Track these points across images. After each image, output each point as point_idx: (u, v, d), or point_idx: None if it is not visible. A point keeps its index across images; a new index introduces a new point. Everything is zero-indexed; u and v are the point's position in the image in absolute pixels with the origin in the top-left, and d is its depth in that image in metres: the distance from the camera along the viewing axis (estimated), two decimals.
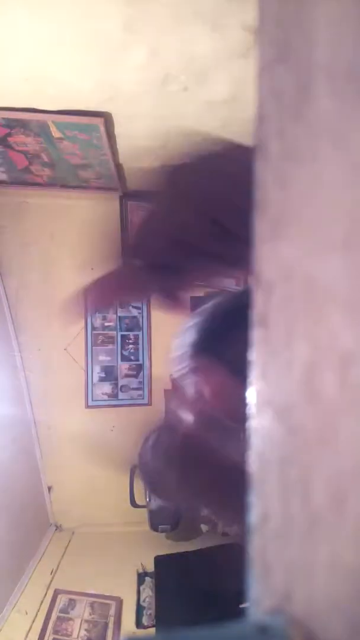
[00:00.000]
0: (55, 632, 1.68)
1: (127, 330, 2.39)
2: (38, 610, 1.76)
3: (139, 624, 1.75)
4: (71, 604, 1.81)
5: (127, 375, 2.38)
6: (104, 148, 1.70)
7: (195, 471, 0.61)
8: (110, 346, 2.37)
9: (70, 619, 1.75)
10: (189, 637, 0.17)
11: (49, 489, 2.39)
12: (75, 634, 1.68)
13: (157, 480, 0.65)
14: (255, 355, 0.22)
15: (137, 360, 2.39)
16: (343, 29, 0.17)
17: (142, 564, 2.03)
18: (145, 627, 1.73)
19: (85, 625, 1.72)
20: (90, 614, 1.77)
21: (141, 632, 1.69)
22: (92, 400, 2.35)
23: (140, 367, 2.39)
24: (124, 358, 2.38)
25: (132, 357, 2.39)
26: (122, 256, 0.52)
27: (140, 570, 2.00)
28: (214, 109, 1.46)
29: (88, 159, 1.80)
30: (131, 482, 2.14)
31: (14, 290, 2.28)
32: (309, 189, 0.18)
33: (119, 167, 1.94)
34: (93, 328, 2.36)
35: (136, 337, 2.39)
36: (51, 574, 1.99)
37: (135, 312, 2.39)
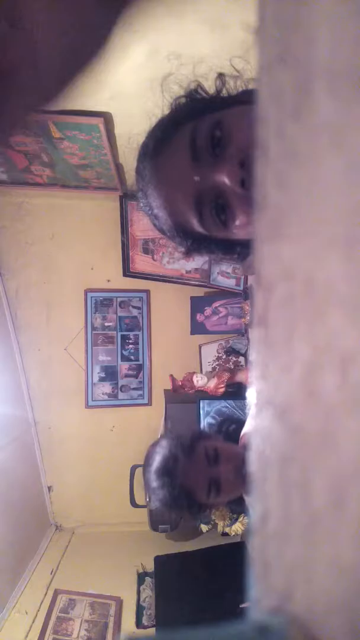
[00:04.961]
0: (55, 632, 1.68)
1: (127, 330, 2.39)
2: (38, 610, 1.76)
3: (138, 623, 1.75)
4: (71, 603, 1.82)
5: (127, 375, 2.38)
6: (104, 148, 1.70)
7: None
8: (110, 346, 2.37)
9: (70, 618, 1.75)
10: (189, 637, 0.17)
11: (49, 488, 2.39)
12: (75, 634, 1.68)
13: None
14: (255, 355, 0.22)
15: (137, 360, 2.39)
16: (343, 28, 0.17)
17: (142, 564, 2.03)
18: (145, 627, 1.73)
19: (85, 625, 1.72)
20: (90, 614, 1.77)
21: (141, 632, 1.69)
22: (92, 400, 2.35)
23: (140, 367, 2.39)
24: (124, 358, 2.38)
25: (132, 357, 2.39)
26: None
27: (140, 570, 2.00)
28: None
29: (88, 159, 1.80)
30: (131, 482, 2.14)
31: (14, 290, 2.28)
32: (309, 189, 0.18)
33: (119, 167, 1.94)
34: (93, 328, 2.36)
35: (136, 337, 2.39)
36: (51, 573, 1.99)
37: (135, 312, 2.39)
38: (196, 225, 0.50)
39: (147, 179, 0.51)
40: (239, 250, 0.55)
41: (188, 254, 0.56)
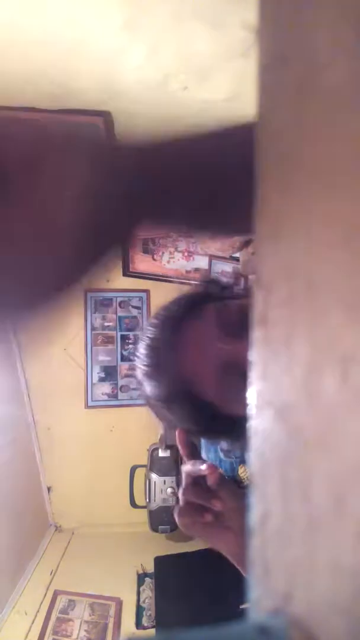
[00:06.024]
0: (55, 632, 1.68)
1: (127, 330, 2.39)
2: (37, 611, 1.76)
3: (138, 624, 1.75)
4: (71, 604, 1.81)
5: (127, 375, 2.38)
6: None
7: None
8: (110, 346, 2.37)
9: (70, 619, 1.75)
10: (188, 638, 0.17)
11: (49, 489, 2.39)
12: (75, 635, 1.68)
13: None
14: (255, 355, 0.22)
15: None
16: (343, 28, 0.17)
17: (141, 565, 2.03)
18: (145, 628, 1.73)
19: (85, 626, 1.72)
20: (90, 615, 1.77)
21: (141, 632, 1.69)
22: (92, 400, 2.35)
23: None
24: (124, 358, 2.38)
25: (132, 357, 2.38)
26: None
27: (140, 571, 2.00)
28: (214, 108, 1.46)
29: None
30: (131, 482, 2.14)
31: None
32: (310, 189, 0.18)
33: None
34: (93, 328, 2.36)
35: (136, 337, 2.39)
36: (51, 574, 1.99)
37: (135, 312, 2.39)
38: (211, 390, 0.52)
39: (166, 339, 0.54)
40: (237, 429, 0.57)
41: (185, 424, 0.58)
